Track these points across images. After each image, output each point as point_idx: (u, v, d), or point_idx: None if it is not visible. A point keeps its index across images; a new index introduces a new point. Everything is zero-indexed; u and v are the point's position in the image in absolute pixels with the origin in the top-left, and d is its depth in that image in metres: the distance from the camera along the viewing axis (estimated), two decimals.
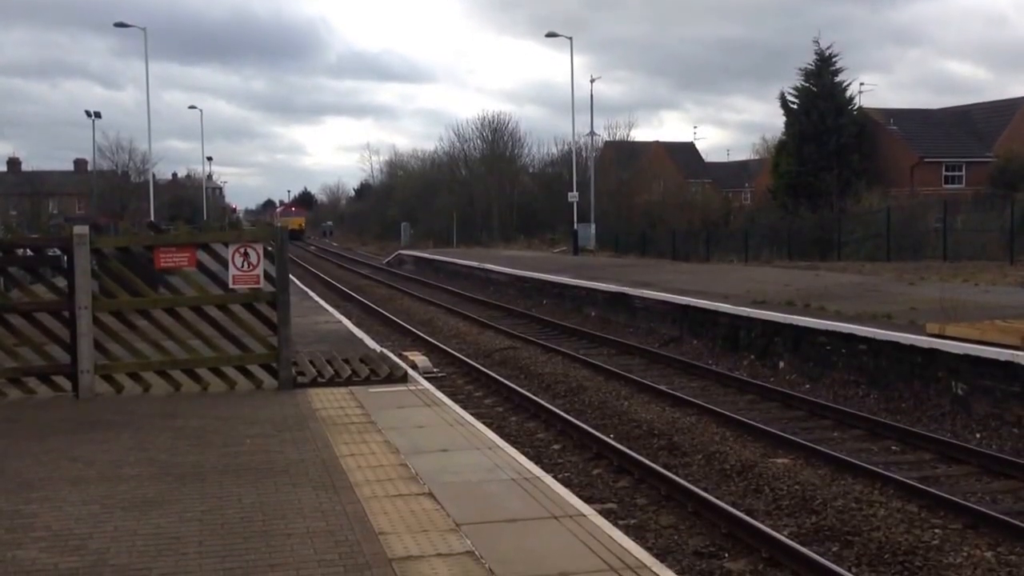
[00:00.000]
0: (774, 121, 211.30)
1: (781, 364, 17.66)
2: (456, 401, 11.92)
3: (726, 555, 8.64)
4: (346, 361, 13.00)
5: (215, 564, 5.76)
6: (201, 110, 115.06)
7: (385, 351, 14.94)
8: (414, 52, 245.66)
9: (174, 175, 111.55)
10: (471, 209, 72.87)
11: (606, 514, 8.34)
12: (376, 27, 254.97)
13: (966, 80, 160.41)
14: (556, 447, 12.69)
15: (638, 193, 64.49)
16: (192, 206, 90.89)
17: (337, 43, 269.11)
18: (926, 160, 55.24)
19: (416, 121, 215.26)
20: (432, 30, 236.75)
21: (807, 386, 16.23)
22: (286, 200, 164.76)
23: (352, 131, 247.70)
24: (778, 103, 56.36)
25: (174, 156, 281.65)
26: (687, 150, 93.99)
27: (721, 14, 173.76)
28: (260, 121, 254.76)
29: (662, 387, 16.03)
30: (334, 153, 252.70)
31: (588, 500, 8.66)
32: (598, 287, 26.95)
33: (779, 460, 11.63)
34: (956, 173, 56.39)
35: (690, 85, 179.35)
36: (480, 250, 56.47)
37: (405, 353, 17.78)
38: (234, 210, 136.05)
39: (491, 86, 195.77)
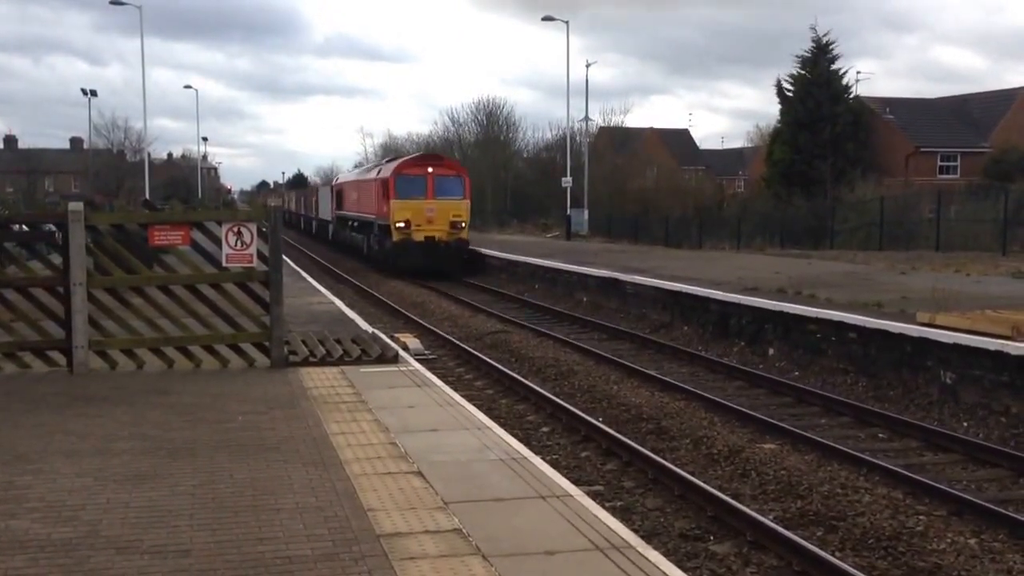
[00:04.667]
0: (767, 108, 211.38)
1: (771, 351, 17.76)
2: (447, 382, 11.98)
3: (712, 538, 8.73)
4: (338, 341, 13.06)
5: (206, 537, 5.84)
6: (196, 90, 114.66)
7: (377, 332, 15.00)
8: (403, 33, 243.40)
9: (169, 155, 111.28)
10: None
11: (593, 495, 8.40)
12: (363, 6, 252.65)
13: (963, 69, 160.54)
14: (545, 429, 12.77)
15: (632, 179, 64.39)
16: (187, 186, 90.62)
17: (323, 22, 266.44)
18: (921, 150, 55.25)
19: (406, 103, 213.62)
20: (422, 10, 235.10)
21: (796, 373, 16.32)
22: (281, 181, 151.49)
23: (342, 112, 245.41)
24: (771, 90, 56.76)
25: (165, 136, 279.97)
26: (681, 136, 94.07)
27: None
28: (248, 101, 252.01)
29: (652, 372, 16.11)
30: (326, 135, 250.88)
31: (576, 482, 8.71)
32: (590, 272, 27.01)
33: (766, 445, 11.72)
34: (951, 163, 56.38)
35: (681, 70, 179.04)
36: (473, 234, 56.16)
37: (397, 335, 17.83)
38: (229, 191, 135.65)
39: (483, 69, 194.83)
